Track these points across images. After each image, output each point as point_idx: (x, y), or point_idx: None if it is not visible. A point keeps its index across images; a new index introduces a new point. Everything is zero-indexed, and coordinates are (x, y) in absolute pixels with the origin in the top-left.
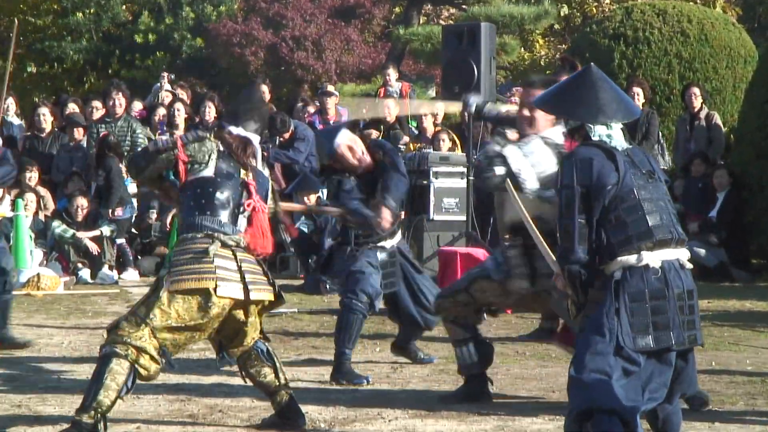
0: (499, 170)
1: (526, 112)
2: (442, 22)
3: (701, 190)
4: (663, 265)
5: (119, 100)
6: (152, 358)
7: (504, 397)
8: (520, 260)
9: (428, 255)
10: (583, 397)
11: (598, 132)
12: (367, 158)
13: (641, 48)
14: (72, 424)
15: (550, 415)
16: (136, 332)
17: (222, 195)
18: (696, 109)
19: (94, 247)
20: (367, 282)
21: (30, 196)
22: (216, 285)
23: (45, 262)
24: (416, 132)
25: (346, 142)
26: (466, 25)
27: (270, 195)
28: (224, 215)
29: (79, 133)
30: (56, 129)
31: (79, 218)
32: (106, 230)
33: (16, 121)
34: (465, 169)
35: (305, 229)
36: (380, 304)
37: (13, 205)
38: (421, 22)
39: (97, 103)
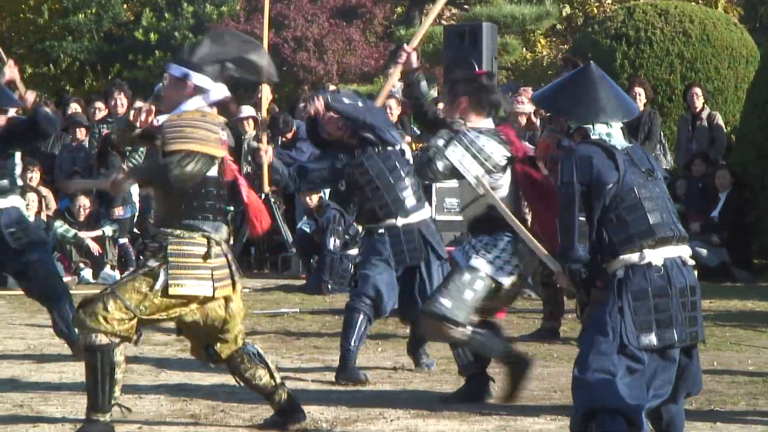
0: (440, 164)
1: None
2: (443, 22)
3: (702, 190)
4: (665, 263)
5: (121, 100)
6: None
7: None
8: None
9: None
10: (587, 397)
11: (599, 131)
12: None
13: (643, 48)
14: (88, 423)
15: (552, 415)
16: (124, 324)
17: (216, 194)
18: (698, 109)
19: (96, 247)
20: (370, 284)
21: (32, 196)
22: (214, 288)
23: None
24: (418, 132)
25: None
26: (468, 25)
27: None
28: (216, 214)
29: (81, 134)
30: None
31: (82, 218)
32: (108, 230)
33: None
34: None
35: (307, 229)
36: (393, 303)
37: None
38: (422, 22)
39: (99, 104)
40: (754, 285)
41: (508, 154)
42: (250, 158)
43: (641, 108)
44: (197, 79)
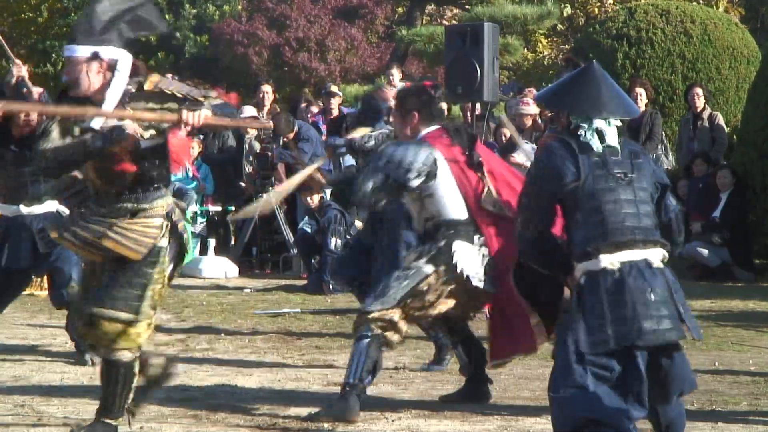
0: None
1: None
2: (445, 22)
3: (703, 190)
4: (622, 267)
5: None
6: None
7: (507, 397)
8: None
9: None
10: (565, 415)
11: (596, 125)
12: None
13: (644, 48)
14: (98, 425)
15: None
16: (147, 335)
17: None
18: (699, 110)
19: None
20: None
21: None
22: None
23: None
24: None
25: None
26: (470, 25)
27: None
28: None
29: None
30: None
31: None
32: None
33: None
34: None
35: (308, 230)
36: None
37: None
38: (424, 22)
39: None
40: (756, 285)
41: (435, 157)
42: (252, 160)
43: (642, 108)
44: (108, 52)
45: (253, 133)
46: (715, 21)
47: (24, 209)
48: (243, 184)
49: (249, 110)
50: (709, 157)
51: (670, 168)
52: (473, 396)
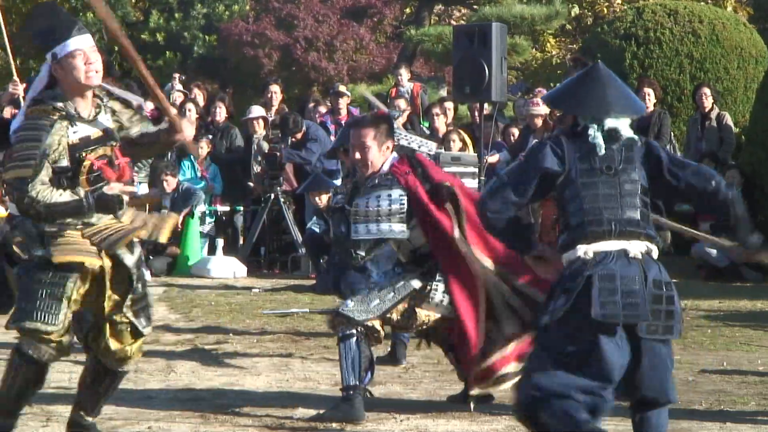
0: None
1: (357, 155)
2: (453, 22)
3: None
4: (596, 257)
5: None
6: None
7: None
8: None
9: None
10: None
11: (608, 125)
12: None
13: (652, 48)
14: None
15: None
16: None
17: None
18: (707, 110)
19: None
20: None
21: None
22: None
23: None
24: (428, 132)
25: None
26: (478, 25)
27: None
28: None
29: None
30: None
31: None
32: None
33: None
34: (476, 170)
35: (316, 229)
36: None
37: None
38: (432, 22)
39: None
40: (764, 285)
41: (404, 193)
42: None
43: (651, 108)
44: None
45: (261, 133)
46: (723, 21)
47: None
48: (251, 184)
49: (257, 110)
50: (717, 157)
51: None
52: (479, 396)
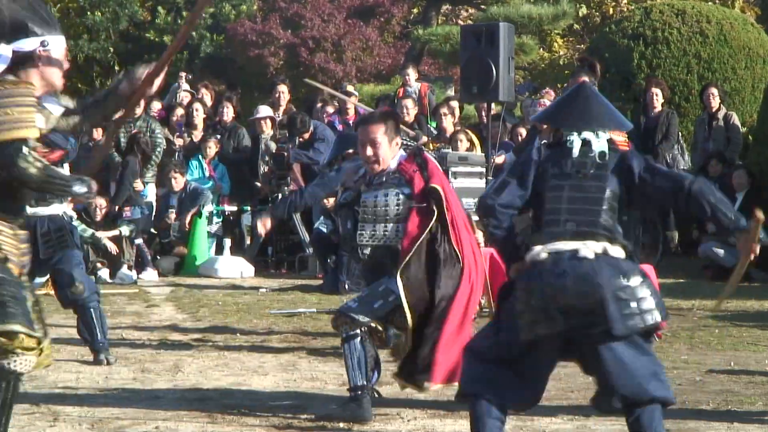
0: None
1: (369, 151)
2: (460, 22)
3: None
4: (549, 257)
5: None
6: None
7: None
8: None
9: None
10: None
11: (584, 135)
12: None
13: (660, 48)
14: None
15: (569, 415)
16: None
17: None
18: (714, 110)
19: (113, 247)
20: None
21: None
22: None
23: None
24: (435, 132)
25: None
26: (485, 25)
27: None
28: None
29: (98, 133)
30: None
31: (98, 218)
32: (125, 230)
33: None
34: (484, 170)
35: (324, 229)
36: None
37: None
38: (439, 22)
39: None
40: None
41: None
42: (267, 158)
43: (658, 109)
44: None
45: (268, 132)
46: (731, 21)
47: (29, 209)
48: (258, 184)
49: (265, 110)
50: (724, 157)
51: (685, 168)
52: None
